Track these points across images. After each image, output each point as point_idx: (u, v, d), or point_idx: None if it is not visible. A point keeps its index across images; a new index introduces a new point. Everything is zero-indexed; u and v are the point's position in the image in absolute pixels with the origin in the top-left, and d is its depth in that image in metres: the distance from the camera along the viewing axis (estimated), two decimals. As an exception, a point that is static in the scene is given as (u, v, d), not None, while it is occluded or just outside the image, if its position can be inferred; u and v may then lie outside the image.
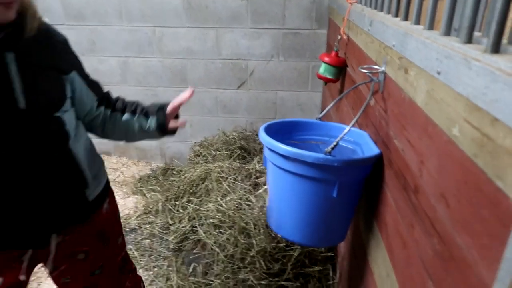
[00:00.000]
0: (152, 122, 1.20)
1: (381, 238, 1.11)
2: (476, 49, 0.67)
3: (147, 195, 2.66)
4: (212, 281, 1.85)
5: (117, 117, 1.21)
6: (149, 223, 2.36)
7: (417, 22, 1.02)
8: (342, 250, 1.75)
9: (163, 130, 1.21)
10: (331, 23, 2.62)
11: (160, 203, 2.43)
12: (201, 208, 2.13)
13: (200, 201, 2.21)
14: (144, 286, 1.45)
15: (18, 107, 0.91)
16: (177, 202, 2.33)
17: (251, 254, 1.85)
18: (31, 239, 1.03)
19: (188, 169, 2.52)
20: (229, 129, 3.03)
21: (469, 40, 0.72)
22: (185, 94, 1.19)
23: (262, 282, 1.79)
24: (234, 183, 2.18)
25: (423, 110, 0.84)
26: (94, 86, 1.16)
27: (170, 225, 2.25)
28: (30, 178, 0.97)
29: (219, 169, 2.31)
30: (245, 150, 2.63)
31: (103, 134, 1.23)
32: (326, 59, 1.87)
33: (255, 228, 1.92)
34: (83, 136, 1.12)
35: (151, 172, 3.08)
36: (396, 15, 1.20)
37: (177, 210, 2.27)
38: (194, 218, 2.13)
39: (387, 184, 1.08)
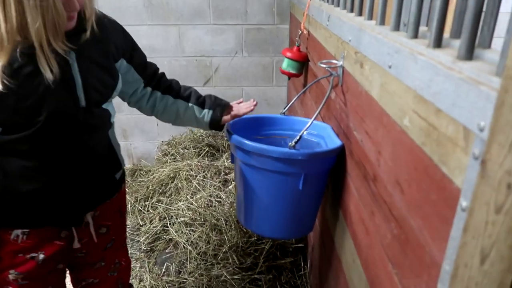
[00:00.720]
0: (207, 115, 1.29)
1: (346, 226, 1.16)
2: (421, 44, 0.71)
3: (115, 198, 2.62)
4: (185, 279, 1.85)
5: (169, 100, 1.27)
6: (119, 226, 2.33)
7: (370, 17, 1.06)
8: (311, 240, 1.80)
9: (215, 125, 1.30)
10: (293, 18, 2.66)
11: (129, 205, 2.40)
12: (172, 207, 2.12)
13: (170, 200, 2.20)
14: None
15: (79, 105, 0.98)
16: (146, 203, 2.31)
17: (224, 250, 1.87)
18: (70, 218, 1.11)
19: (157, 169, 2.50)
20: (196, 126, 3.02)
21: (416, 35, 0.77)
22: (250, 107, 1.31)
23: (235, 277, 1.82)
24: (203, 180, 2.19)
25: (378, 103, 0.88)
26: (141, 68, 1.21)
27: (141, 226, 2.23)
28: (76, 164, 1.03)
29: (188, 168, 2.31)
30: (214, 147, 2.64)
31: (152, 114, 1.31)
32: (288, 54, 1.90)
33: (226, 224, 1.94)
34: (113, 123, 1.19)
35: (118, 174, 3.02)
36: (351, 11, 1.24)
37: (147, 211, 2.25)
38: (165, 218, 2.13)
39: (350, 174, 1.12)
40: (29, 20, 0.79)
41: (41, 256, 1.09)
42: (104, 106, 1.08)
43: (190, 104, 1.29)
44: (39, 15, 0.79)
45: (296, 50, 1.92)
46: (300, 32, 1.92)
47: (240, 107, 1.32)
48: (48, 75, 0.88)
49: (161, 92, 1.28)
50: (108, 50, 1.07)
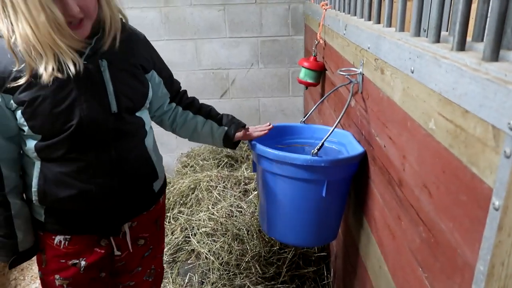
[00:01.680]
0: (222, 131, 1.33)
1: (371, 233, 1.16)
2: (444, 47, 0.72)
3: (137, 210, 2.65)
4: (209, 290, 1.86)
5: (188, 115, 1.32)
6: (141, 238, 2.35)
7: (389, 24, 1.08)
8: (334, 248, 1.79)
9: (228, 142, 1.34)
10: (307, 28, 2.69)
11: (151, 217, 2.43)
12: (193, 218, 2.14)
13: (191, 211, 2.22)
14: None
15: (111, 111, 1.03)
16: (168, 214, 2.33)
17: (246, 259, 1.87)
18: (107, 227, 1.15)
19: (177, 180, 2.53)
20: (214, 138, 3.05)
21: (437, 39, 0.78)
22: (264, 131, 1.32)
23: (258, 286, 1.82)
24: (224, 191, 2.21)
25: (401, 107, 0.89)
26: (169, 83, 1.26)
27: (163, 238, 2.26)
28: (110, 171, 1.07)
29: (208, 178, 2.33)
30: (232, 158, 2.66)
31: (171, 129, 1.36)
32: (306, 64, 1.92)
33: (248, 234, 1.95)
34: (152, 133, 1.22)
35: (139, 186, 3.06)
36: (369, 19, 1.26)
37: (169, 222, 2.28)
38: (186, 229, 2.15)
39: (373, 180, 1.13)
40: (34, 15, 0.85)
41: (83, 263, 1.13)
42: (138, 114, 1.12)
43: (208, 120, 1.33)
44: (40, 11, 0.85)
45: (313, 60, 1.94)
46: (316, 42, 1.94)
47: (255, 129, 1.34)
48: (72, 69, 0.93)
49: (182, 108, 1.32)
50: (139, 61, 1.12)
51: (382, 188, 1.05)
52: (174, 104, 1.31)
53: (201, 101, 1.41)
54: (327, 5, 1.84)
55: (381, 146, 1.05)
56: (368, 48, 1.14)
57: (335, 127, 1.15)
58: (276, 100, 3.03)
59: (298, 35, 2.86)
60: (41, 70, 0.91)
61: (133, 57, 1.11)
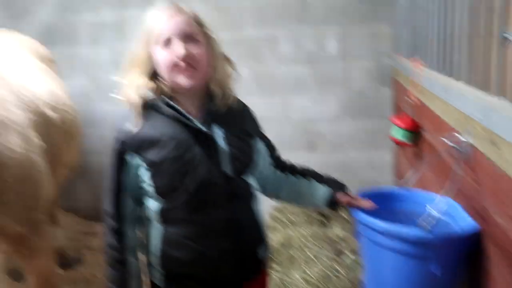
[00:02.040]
0: (324, 191, 1.30)
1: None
2: None
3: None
4: None
5: (289, 178, 1.34)
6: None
7: (499, 94, 1.03)
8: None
9: (331, 203, 1.30)
10: (395, 82, 2.67)
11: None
12: (287, 278, 2.14)
13: (284, 269, 2.22)
14: None
15: (225, 174, 1.12)
16: (260, 270, 2.36)
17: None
18: None
19: (268, 236, 2.58)
20: (302, 192, 3.06)
21: None
22: (369, 205, 1.25)
23: None
24: (317, 250, 2.18)
25: (525, 190, 0.84)
26: (271, 149, 1.33)
27: (255, 294, 2.27)
28: (223, 233, 1.12)
29: (300, 235, 2.33)
30: (323, 215, 2.64)
31: (273, 194, 1.37)
32: (400, 123, 1.90)
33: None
34: (257, 197, 1.27)
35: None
36: (472, 85, 1.22)
37: (261, 279, 2.30)
38: (279, 288, 2.14)
39: (492, 261, 1.04)
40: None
41: None
42: (245, 177, 1.18)
43: (309, 181, 1.32)
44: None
45: (408, 119, 1.90)
46: (409, 100, 1.92)
47: (358, 198, 1.28)
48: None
49: (282, 171, 1.34)
50: (247, 127, 1.22)
51: (505, 271, 0.97)
52: (274, 169, 1.34)
53: (289, 155, 1.42)
54: (420, 64, 1.83)
55: (500, 225, 0.98)
56: (477, 118, 1.10)
57: (443, 197, 1.11)
58: (364, 154, 2.98)
59: (385, 89, 2.85)
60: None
61: (242, 123, 1.21)
